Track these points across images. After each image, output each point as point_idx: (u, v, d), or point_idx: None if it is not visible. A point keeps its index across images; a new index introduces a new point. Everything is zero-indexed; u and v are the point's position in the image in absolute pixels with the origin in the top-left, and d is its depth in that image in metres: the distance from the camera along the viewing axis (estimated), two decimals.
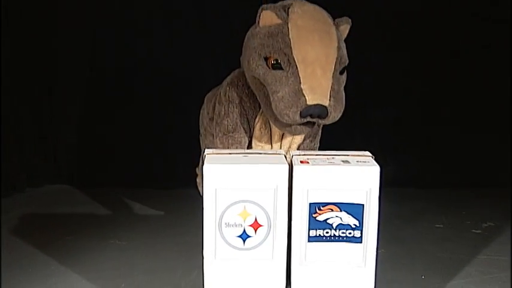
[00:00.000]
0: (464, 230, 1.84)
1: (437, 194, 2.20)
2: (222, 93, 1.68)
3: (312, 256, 1.26)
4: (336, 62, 1.51)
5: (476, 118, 2.30)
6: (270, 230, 1.25)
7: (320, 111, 1.47)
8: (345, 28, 1.61)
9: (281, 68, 1.50)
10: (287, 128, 1.54)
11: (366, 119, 2.31)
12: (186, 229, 1.78)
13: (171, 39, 2.26)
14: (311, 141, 1.72)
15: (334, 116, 1.50)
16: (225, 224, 1.24)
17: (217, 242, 1.25)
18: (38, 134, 2.29)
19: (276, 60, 1.50)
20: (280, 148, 1.66)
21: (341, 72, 1.55)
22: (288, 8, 1.55)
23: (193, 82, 2.23)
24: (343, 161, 1.27)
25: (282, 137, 1.66)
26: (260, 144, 1.67)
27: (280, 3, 1.59)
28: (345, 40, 1.58)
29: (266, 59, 1.52)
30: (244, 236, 1.25)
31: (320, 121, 1.52)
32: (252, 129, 1.66)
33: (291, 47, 1.49)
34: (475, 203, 2.09)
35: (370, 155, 1.32)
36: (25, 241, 1.73)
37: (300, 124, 1.51)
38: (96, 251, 1.66)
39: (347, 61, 1.56)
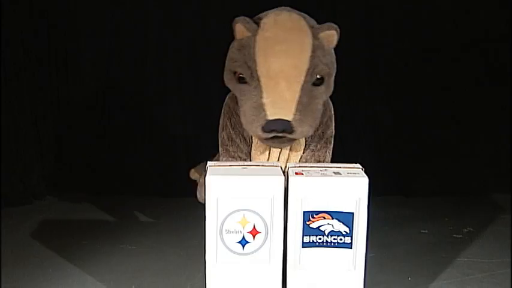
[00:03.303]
0: (446, 235, 1.82)
1: (422, 202, 2.18)
2: (223, 106, 1.60)
3: (305, 260, 1.25)
4: (306, 73, 1.35)
5: (457, 132, 2.28)
6: (267, 236, 1.24)
7: (283, 126, 1.32)
8: (328, 35, 1.42)
9: (246, 82, 1.37)
10: (261, 140, 1.42)
11: (356, 129, 2.27)
12: (190, 235, 1.76)
13: (176, 47, 2.21)
14: (312, 151, 1.53)
15: (302, 130, 1.34)
16: (226, 230, 1.23)
17: (219, 247, 1.24)
18: (55, 148, 2.28)
19: (241, 74, 1.38)
20: (278, 159, 1.53)
21: (316, 84, 1.38)
22: (262, 19, 1.41)
23: (199, 91, 2.21)
24: (334, 173, 1.26)
25: (280, 149, 1.52)
26: (257, 154, 1.52)
27: (264, 13, 1.45)
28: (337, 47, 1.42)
29: (235, 73, 1.41)
30: (243, 242, 1.24)
31: (288, 136, 1.36)
32: (249, 141, 1.54)
33: (255, 60, 1.35)
34: (456, 210, 2.06)
35: (360, 166, 1.31)
36: (45, 245, 1.72)
37: (268, 138, 1.38)
38: (108, 254, 1.65)
39: (327, 71, 1.39)
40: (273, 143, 1.40)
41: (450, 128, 2.26)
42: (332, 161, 1.36)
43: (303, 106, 1.33)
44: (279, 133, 1.34)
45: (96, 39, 2.23)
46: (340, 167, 1.30)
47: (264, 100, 1.32)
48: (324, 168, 1.30)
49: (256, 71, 1.35)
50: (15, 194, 2.14)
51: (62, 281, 1.47)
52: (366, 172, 1.27)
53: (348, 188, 1.23)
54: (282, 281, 1.27)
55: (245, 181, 1.22)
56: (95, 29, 2.22)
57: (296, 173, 1.25)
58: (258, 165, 1.33)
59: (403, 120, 2.26)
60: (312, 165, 1.35)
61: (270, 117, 1.31)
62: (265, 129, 1.33)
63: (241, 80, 1.39)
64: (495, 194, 2.24)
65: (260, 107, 1.32)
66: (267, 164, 1.38)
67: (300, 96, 1.33)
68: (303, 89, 1.34)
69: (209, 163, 1.33)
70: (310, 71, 1.35)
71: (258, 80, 1.35)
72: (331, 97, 1.54)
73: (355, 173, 1.26)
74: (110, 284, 1.45)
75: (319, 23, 1.45)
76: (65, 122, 2.27)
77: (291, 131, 1.33)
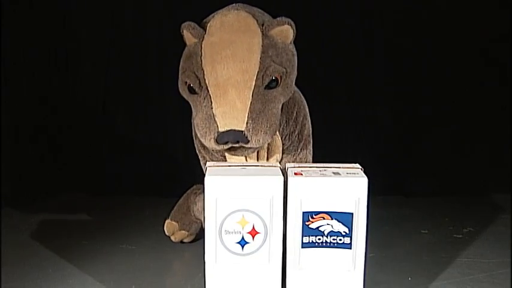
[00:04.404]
0: (446, 235, 1.82)
1: (422, 202, 2.17)
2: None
3: (305, 261, 1.25)
4: (257, 77, 1.26)
5: (457, 132, 2.27)
6: (266, 237, 1.24)
7: (236, 137, 1.25)
8: (281, 31, 1.30)
9: (196, 93, 1.29)
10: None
11: (356, 129, 2.27)
12: None
13: (176, 47, 2.18)
14: (294, 156, 1.48)
15: (258, 139, 1.26)
16: (225, 231, 1.23)
17: (218, 247, 1.24)
18: (55, 148, 2.27)
19: (191, 84, 1.30)
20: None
21: (270, 87, 1.29)
22: (208, 22, 1.33)
23: None
24: (334, 173, 1.26)
25: (257, 154, 1.41)
26: (232, 160, 1.40)
27: (212, 14, 1.36)
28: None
29: (186, 83, 1.32)
30: (242, 242, 1.24)
31: (244, 146, 1.28)
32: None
33: (202, 69, 1.27)
34: (456, 210, 2.06)
35: (360, 167, 1.31)
36: (45, 245, 1.71)
37: (227, 149, 1.31)
38: (108, 254, 1.64)
39: (282, 70, 1.29)
40: (235, 153, 1.34)
41: (450, 127, 2.26)
42: (332, 161, 1.35)
43: (256, 113, 1.25)
44: (234, 144, 1.28)
45: (96, 39, 2.22)
46: (339, 167, 1.30)
47: (214, 111, 1.25)
48: (323, 168, 1.29)
49: (204, 80, 1.28)
50: (15, 194, 2.14)
51: (62, 281, 1.47)
52: (365, 172, 1.27)
53: (347, 188, 1.23)
54: (282, 282, 1.27)
55: (244, 181, 1.22)
56: (95, 29, 2.21)
57: (295, 173, 1.25)
58: (257, 166, 1.33)
59: (403, 120, 2.26)
60: (311, 165, 1.34)
61: (221, 129, 1.25)
62: (218, 141, 1.26)
63: (192, 91, 1.31)
64: (495, 194, 2.23)
65: (211, 119, 1.25)
66: (266, 164, 1.38)
67: (252, 103, 1.25)
68: (254, 94, 1.26)
69: (208, 163, 1.33)
70: (262, 73, 1.27)
71: (207, 89, 1.27)
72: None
73: (354, 173, 1.26)
74: (110, 284, 1.45)
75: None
76: (65, 122, 2.26)
77: (246, 141, 1.26)
